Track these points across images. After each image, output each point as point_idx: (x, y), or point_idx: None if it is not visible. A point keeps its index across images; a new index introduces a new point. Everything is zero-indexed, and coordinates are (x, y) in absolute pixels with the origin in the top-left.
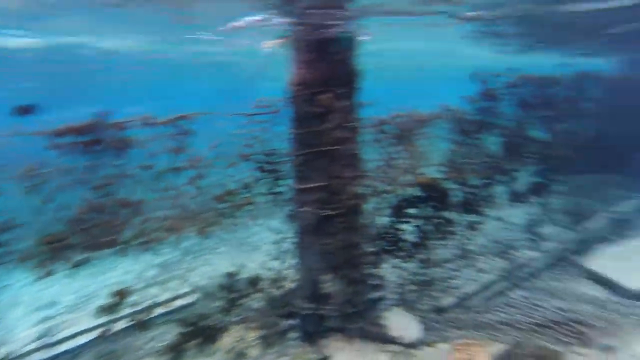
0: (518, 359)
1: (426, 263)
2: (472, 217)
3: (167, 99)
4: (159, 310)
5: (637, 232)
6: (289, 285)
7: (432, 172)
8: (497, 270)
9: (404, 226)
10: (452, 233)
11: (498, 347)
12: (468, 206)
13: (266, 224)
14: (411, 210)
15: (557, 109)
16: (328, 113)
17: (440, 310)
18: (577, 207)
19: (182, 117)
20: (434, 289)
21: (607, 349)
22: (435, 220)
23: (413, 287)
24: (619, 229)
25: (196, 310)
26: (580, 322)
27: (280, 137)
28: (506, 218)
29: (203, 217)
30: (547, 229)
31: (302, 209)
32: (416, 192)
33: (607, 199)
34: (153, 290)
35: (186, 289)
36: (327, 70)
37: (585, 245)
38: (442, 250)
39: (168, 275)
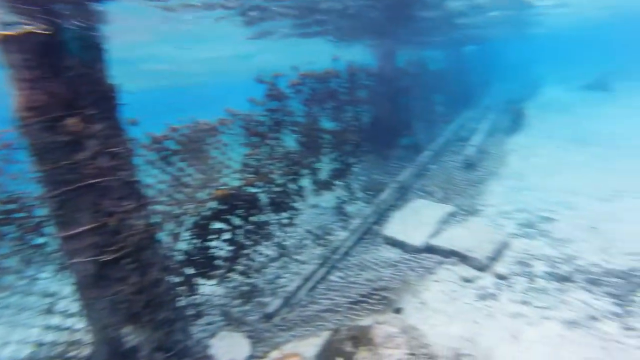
0: (337, 348)
1: (247, 272)
2: (285, 214)
3: None
4: None
5: (413, 195)
6: (84, 353)
7: (232, 181)
8: (316, 258)
9: (213, 243)
10: (268, 235)
11: (320, 340)
12: (278, 205)
13: (30, 286)
14: (218, 225)
15: (339, 99)
16: (81, 140)
17: (268, 316)
18: (371, 183)
19: None
20: (260, 297)
21: (398, 310)
22: (247, 228)
23: (238, 302)
24: (402, 195)
25: None
26: (383, 288)
27: (22, 177)
28: (318, 205)
29: None
30: (352, 208)
31: (75, 260)
32: (218, 204)
33: (390, 172)
34: None
35: None
36: (67, 87)
37: (381, 215)
38: (261, 254)
39: None
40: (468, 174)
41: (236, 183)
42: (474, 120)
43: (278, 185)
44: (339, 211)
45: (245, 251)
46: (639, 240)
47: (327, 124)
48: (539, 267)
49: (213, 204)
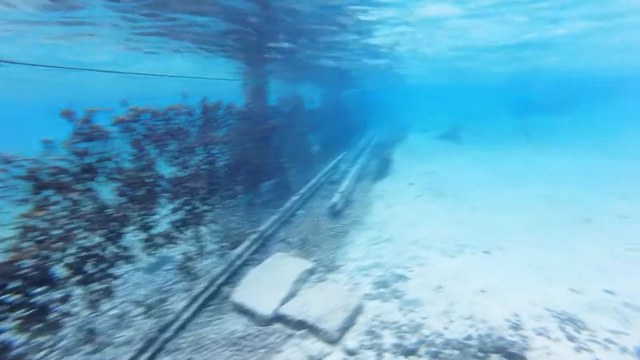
0: None
1: None
2: (97, 285)
3: None
4: None
5: (274, 246)
6: None
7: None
8: (138, 340)
9: None
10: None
11: None
12: (87, 274)
13: None
14: None
15: (186, 140)
16: None
17: None
18: (228, 234)
19: None
20: None
21: None
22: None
23: None
24: (262, 247)
25: None
26: None
27: None
28: (150, 267)
29: None
30: (202, 264)
31: None
32: None
33: (253, 220)
34: None
35: None
36: None
37: (234, 274)
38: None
39: None
40: (334, 222)
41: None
42: (347, 163)
43: (85, 250)
44: (183, 271)
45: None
46: (476, 302)
47: (168, 169)
48: (388, 339)
49: None
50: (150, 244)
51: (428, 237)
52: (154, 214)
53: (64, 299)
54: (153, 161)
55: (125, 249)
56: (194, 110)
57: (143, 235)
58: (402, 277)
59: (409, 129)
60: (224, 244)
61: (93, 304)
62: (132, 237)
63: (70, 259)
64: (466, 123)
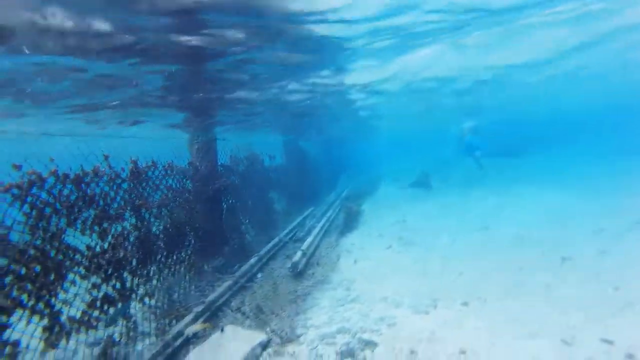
0: None
1: None
2: None
3: None
4: None
5: (224, 318)
6: None
7: None
8: None
9: None
10: None
11: None
12: None
13: None
14: None
15: (106, 207)
16: None
17: None
18: (169, 308)
19: None
20: None
21: None
22: None
23: None
24: (209, 319)
25: None
26: None
27: None
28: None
29: None
30: (135, 348)
31: None
32: None
33: (202, 288)
34: None
35: None
36: None
37: (171, 357)
38: None
39: None
40: (296, 283)
41: None
42: (314, 218)
43: None
44: (105, 358)
45: None
46: None
47: (82, 239)
48: None
49: None
50: (56, 332)
51: (398, 292)
52: (59, 294)
53: None
54: (61, 231)
55: (13, 344)
56: (121, 173)
57: (46, 322)
58: (370, 343)
59: (381, 179)
60: (163, 321)
61: None
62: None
63: None
64: (436, 168)
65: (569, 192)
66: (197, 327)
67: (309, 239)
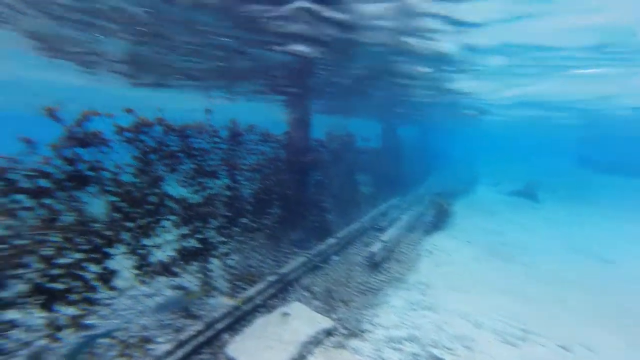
0: None
1: None
2: (72, 310)
3: None
4: None
5: (294, 293)
6: None
7: None
8: None
9: None
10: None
11: None
12: (55, 296)
13: None
14: None
15: (205, 162)
16: None
17: None
18: (244, 273)
19: None
20: None
21: None
22: None
23: None
24: (280, 292)
25: None
26: None
27: None
28: (140, 298)
29: None
30: (207, 303)
31: None
32: None
33: (278, 259)
34: None
35: None
36: None
37: (240, 320)
38: None
39: None
40: (370, 275)
41: None
42: (399, 209)
43: (59, 267)
44: (178, 309)
45: None
46: None
47: (178, 190)
48: None
49: None
50: (145, 272)
51: (482, 310)
52: (153, 237)
53: (14, 325)
54: (160, 178)
55: (112, 272)
56: (220, 132)
57: (136, 260)
58: None
59: (477, 180)
60: (237, 283)
61: (53, 334)
62: (122, 261)
63: (32, 276)
64: (543, 179)
65: None
66: (231, 300)
67: (391, 231)
